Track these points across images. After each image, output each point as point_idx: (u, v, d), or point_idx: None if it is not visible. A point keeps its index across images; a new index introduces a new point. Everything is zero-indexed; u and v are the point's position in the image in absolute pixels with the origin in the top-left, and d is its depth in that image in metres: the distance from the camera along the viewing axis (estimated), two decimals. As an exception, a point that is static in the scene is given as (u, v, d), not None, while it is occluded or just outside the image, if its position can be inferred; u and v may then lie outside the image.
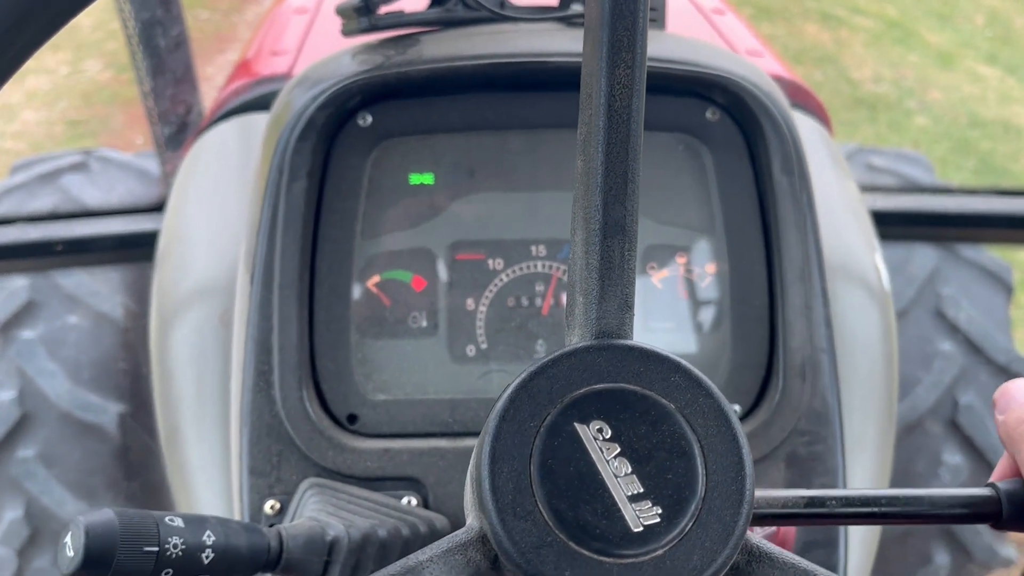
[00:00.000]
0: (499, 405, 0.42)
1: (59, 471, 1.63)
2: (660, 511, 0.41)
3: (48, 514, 1.63)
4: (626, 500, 0.41)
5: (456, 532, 0.42)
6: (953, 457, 1.70)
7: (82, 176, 1.85)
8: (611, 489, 0.41)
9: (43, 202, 1.78)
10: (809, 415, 0.80)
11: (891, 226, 1.45)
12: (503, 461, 0.41)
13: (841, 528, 0.81)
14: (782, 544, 0.75)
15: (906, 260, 1.70)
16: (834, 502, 0.49)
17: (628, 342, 0.44)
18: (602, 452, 0.41)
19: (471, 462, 0.44)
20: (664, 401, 0.42)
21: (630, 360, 0.43)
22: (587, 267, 0.44)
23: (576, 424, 0.42)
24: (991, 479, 0.52)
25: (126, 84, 4.03)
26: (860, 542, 0.91)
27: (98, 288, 1.68)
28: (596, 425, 0.42)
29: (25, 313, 1.65)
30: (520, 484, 0.41)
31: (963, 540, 1.71)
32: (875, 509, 0.49)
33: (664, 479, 0.41)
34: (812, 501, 0.49)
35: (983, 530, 1.72)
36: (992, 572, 1.72)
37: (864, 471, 0.93)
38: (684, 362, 0.43)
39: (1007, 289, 1.76)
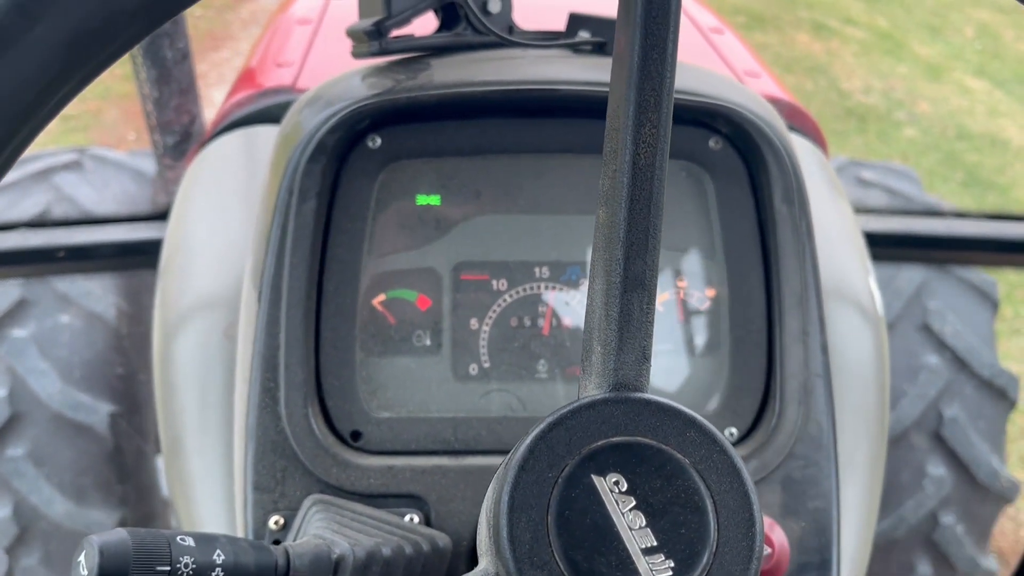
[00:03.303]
0: (518, 454, 0.43)
1: (48, 470, 1.62)
2: (672, 565, 0.41)
3: (37, 513, 1.62)
4: (640, 553, 0.41)
5: (472, 573, 0.43)
6: (937, 469, 1.72)
7: (75, 175, 1.83)
8: (626, 542, 0.42)
9: (36, 200, 1.76)
10: (804, 439, 0.81)
11: (882, 247, 1.47)
12: (521, 510, 0.42)
13: (834, 549, 0.82)
14: (776, 567, 0.76)
15: (894, 275, 1.71)
16: None
17: (645, 396, 0.44)
18: (618, 505, 0.42)
19: (487, 507, 0.45)
20: (679, 456, 0.43)
21: (647, 414, 0.43)
22: (606, 318, 0.44)
23: (593, 476, 0.42)
24: None
25: (118, 79, 4.01)
26: (851, 561, 0.93)
27: (91, 288, 1.67)
28: (613, 478, 0.42)
29: (17, 312, 1.63)
30: (537, 533, 0.41)
31: (945, 551, 1.73)
32: None
33: (677, 533, 0.42)
34: None
35: (965, 541, 1.74)
36: (974, 584, 1.74)
37: (856, 491, 0.94)
38: (699, 417, 0.44)
39: (992, 304, 1.78)
